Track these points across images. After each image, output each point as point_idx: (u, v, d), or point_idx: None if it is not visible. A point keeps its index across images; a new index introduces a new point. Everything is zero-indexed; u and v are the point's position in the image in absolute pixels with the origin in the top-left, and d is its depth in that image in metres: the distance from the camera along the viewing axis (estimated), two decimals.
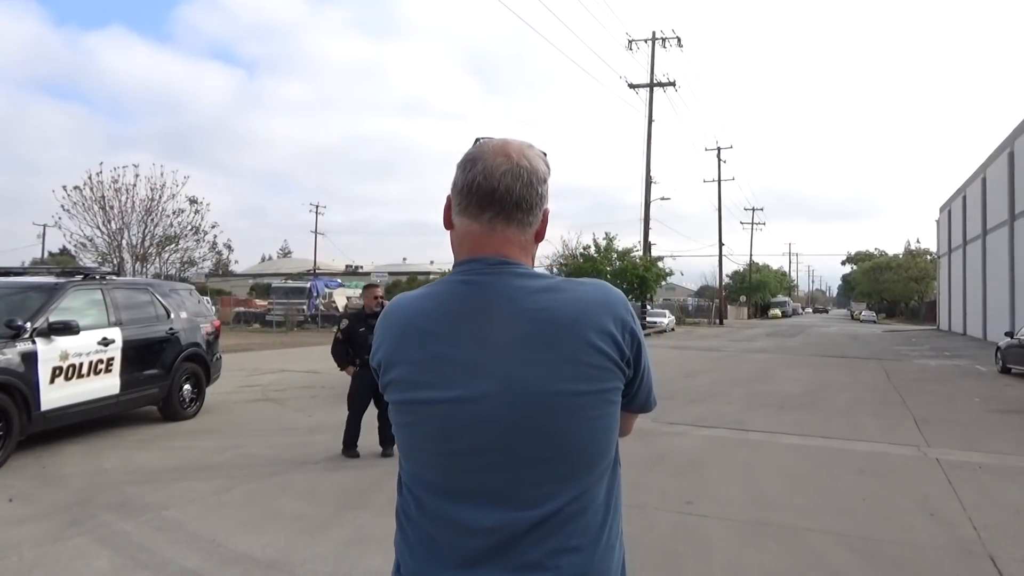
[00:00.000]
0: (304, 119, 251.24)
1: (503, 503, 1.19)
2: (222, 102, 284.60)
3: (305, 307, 37.08)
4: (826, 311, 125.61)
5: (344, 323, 7.22)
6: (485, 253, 1.25)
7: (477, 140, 1.32)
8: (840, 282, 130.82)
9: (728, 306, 67.59)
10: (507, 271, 1.23)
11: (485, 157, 1.26)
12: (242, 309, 39.71)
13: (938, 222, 52.43)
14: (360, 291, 7.98)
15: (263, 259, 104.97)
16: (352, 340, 7.11)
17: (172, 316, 8.92)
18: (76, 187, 25.42)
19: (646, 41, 38.79)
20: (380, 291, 7.52)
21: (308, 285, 39.53)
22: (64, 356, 7.04)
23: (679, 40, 38.90)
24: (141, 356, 8.18)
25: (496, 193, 1.23)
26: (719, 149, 57.24)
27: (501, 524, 1.18)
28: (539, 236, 1.32)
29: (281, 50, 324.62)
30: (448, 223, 1.32)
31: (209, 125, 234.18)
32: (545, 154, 1.34)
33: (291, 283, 42.88)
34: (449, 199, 1.31)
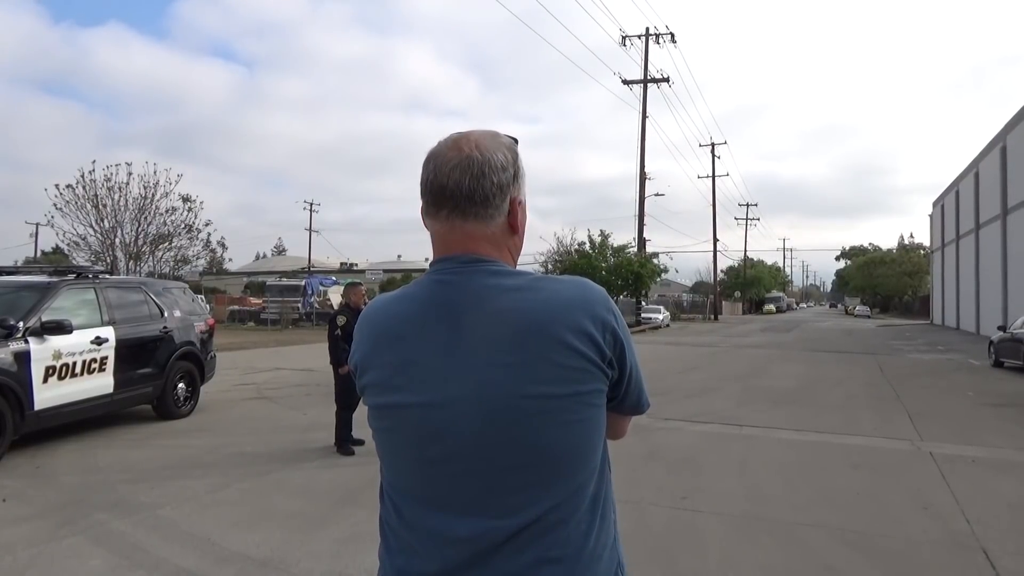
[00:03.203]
0: (303, 116, 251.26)
1: (479, 512, 1.14)
2: (220, 99, 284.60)
3: (300, 305, 37.02)
4: (835, 306, 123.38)
5: (342, 319, 7.16)
6: (455, 251, 1.21)
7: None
8: (834, 277, 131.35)
9: (723, 302, 67.80)
10: (480, 269, 1.19)
11: (438, 154, 1.22)
12: (237, 307, 39.61)
13: (931, 217, 52.62)
14: (343, 290, 8.00)
15: (257, 257, 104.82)
16: (351, 336, 7.07)
17: (166, 315, 8.89)
18: (69, 185, 25.33)
19: (640, 37, 38.86)
20: (363, 289, 7.62)
21: (303, 283, 39.45)
22: (57, 355, 7.02)
23: (672, 36, 38.99)
24: (135, 355, 8.16)
25: (447, 189, 1.19)
26: (713, 145, 57.43)
27: (477, 533, 1.13)
28: (514, 228, 1.25)
29: (280, 46, 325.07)
30: (425, 223, 1.29)
31: (206, 122, 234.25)
32: (516, 141, 1.29)
33: (286, 281, 42.79)
34: None
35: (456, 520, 1.15)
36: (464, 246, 1.21)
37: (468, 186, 1.18)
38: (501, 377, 1.13)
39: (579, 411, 1.16)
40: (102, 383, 7.65)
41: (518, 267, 1.30)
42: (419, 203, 1.29)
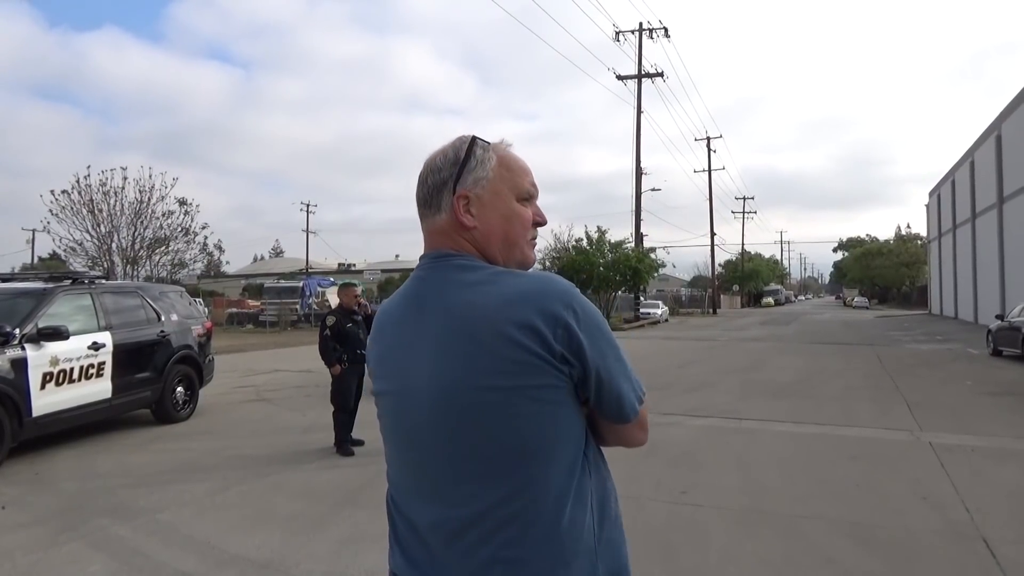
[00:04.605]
0: (300, 117, 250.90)
1: (437, 499, 1.21)
2: (217, 102, 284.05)
3: (298, 307, 36.99)
4: (839, 298, 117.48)
5: (332, 320, 7.21)
6: (431, 248, 1.32)
7: None
8: (832, 269, 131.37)
9: (721, 295, 67.81)
10: (446, 264, 1.27)
11: None
12: (235, 310, 39.55)
13: (928, 207, 52.63)
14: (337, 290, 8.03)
15: (255, 259, 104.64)
16: (340, 336, 7.12)
17: (163, 319, 8.88)
18: (64, 191, 25.25)
19: (633, 32, 38.79)
20: (358, 290, 7.69)
21: (301, 284, 39.42)
22: (54, 361, 7.00)
23: (666, 31, 38.91)
24: (132, 359, 8.15)
25: (417, 201, 1.34)
26: (709, 139, 57.45)
27: (438, 521, 1.20)
28: (460, 222, 1.28)
29: (278, 47, 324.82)
30: None
31: (204, 125, 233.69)
32: (480, 141, 1.32)
33: (284, 283, 42.75)
34: None
35: (423, 507, 1.23)
36: (431, 244, 1.32)
37: (421, 194, 1.33)
38: (448, 368, 1.18)
39: (525, 405, 1.16)
40: (100, 388, 7.64)
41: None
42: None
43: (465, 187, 1.28)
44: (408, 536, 1.26)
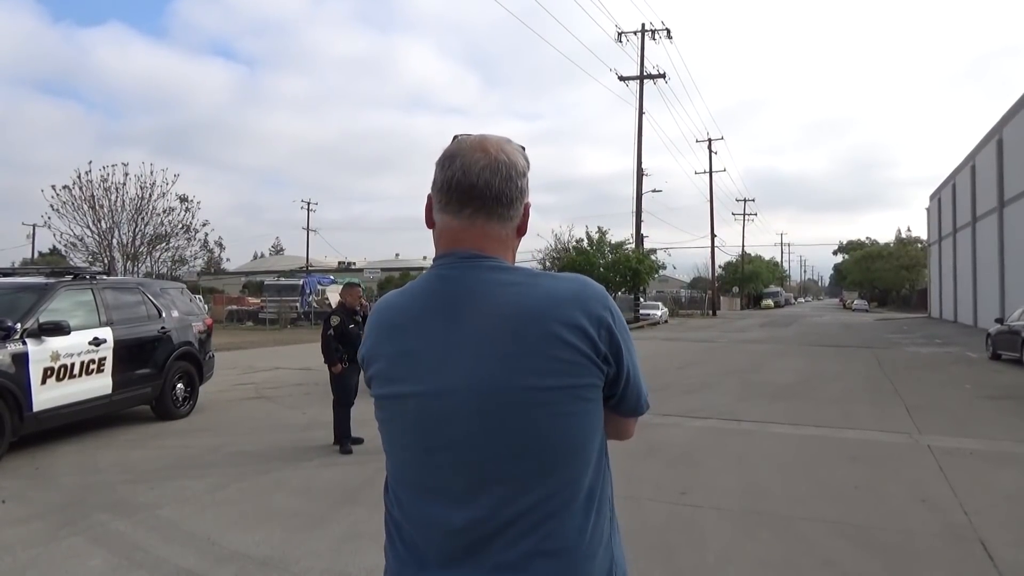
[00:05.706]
0: (302, 114, 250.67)
1: (472, 501, 1.17)
2: (220, 98, 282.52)
3: (298, 304, 37.03)
4: (843, 301, 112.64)
5: (336, 320, 7.23)
6: (461, 247, 1.24)
7: (455, 137, 1.31)
8: (832, 271, 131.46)
9: (721, 297, 67.81)
10: (479, 265, 1.22)
11: (463, 153, 1.25)
12: (235, 307, 39.60)
13: (928, 210, 52.64)
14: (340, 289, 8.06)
15: (255, 257, 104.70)
16: (343, 336, 7.14)
17: (163, 315, 8.89)
18: (65, 186, 25.28)
19: (635, 33, 38.85)
20: (360, 289, 7.74)
21: (301, 282, 39.46)
22: (55, 357, 7.01)
23: (668, 32, 39.00)
24: (133, 355, 8.15)
25: (475, 189, 1.22)
26: (710, 140, 57.50)
27: (471, 523, 1.16)
28: (521, 230, 1.30)
29: (281, 44, 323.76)
30: (430, 222, 1.31)
31: (206, 121, 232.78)
32: (523, 148, 1.33)
33: (284, 280, 42.81)
34: (430, 198, 1.30)
35: (452, 509, 1.18)
36: (474, 243, 1.24)
37: (498, 187, 1.23)
38: (494, 368, 1.15)
39: (571, 404, 1.18)
40: (100, 384, 7.64)
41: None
42: (420, 201, 1.33)
43: (526, 197, 1.29)
44: (425, 542, 1.21)
